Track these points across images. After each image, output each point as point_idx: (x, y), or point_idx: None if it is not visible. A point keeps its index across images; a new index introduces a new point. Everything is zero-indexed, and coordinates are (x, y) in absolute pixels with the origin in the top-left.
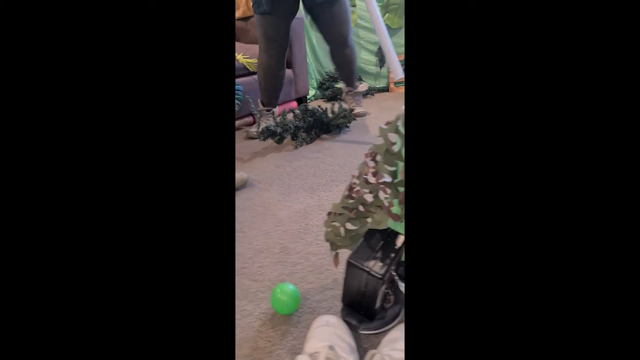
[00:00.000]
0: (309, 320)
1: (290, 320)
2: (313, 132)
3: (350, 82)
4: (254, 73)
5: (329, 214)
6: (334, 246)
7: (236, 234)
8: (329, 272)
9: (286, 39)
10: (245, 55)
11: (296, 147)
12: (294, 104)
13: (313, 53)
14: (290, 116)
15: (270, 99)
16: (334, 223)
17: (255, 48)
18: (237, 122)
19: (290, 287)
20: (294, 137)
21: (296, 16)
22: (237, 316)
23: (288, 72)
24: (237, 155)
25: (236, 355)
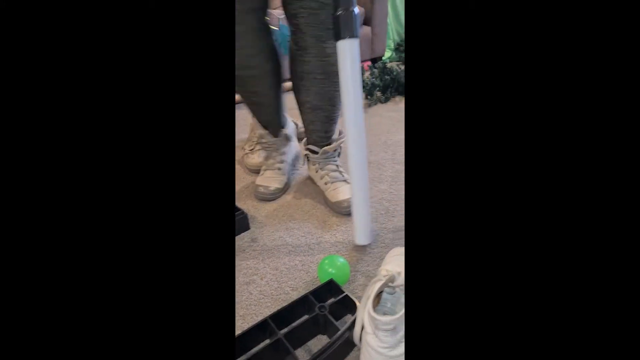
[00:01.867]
0: (380, 252)
1: (365, 250)
2: (388, 92)
3: None
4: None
5: None
6: None
7: None
8: (402, 217)
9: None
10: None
11: (370, 106)
12: (368, 64)
13: (395, 13)
14: (367, 74)
15: None
16: None
17: None
18: None
19: (340, 259)
20: (369, 95)
21: None
22: (313, 240)
23: (366, 29)
24: None
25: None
